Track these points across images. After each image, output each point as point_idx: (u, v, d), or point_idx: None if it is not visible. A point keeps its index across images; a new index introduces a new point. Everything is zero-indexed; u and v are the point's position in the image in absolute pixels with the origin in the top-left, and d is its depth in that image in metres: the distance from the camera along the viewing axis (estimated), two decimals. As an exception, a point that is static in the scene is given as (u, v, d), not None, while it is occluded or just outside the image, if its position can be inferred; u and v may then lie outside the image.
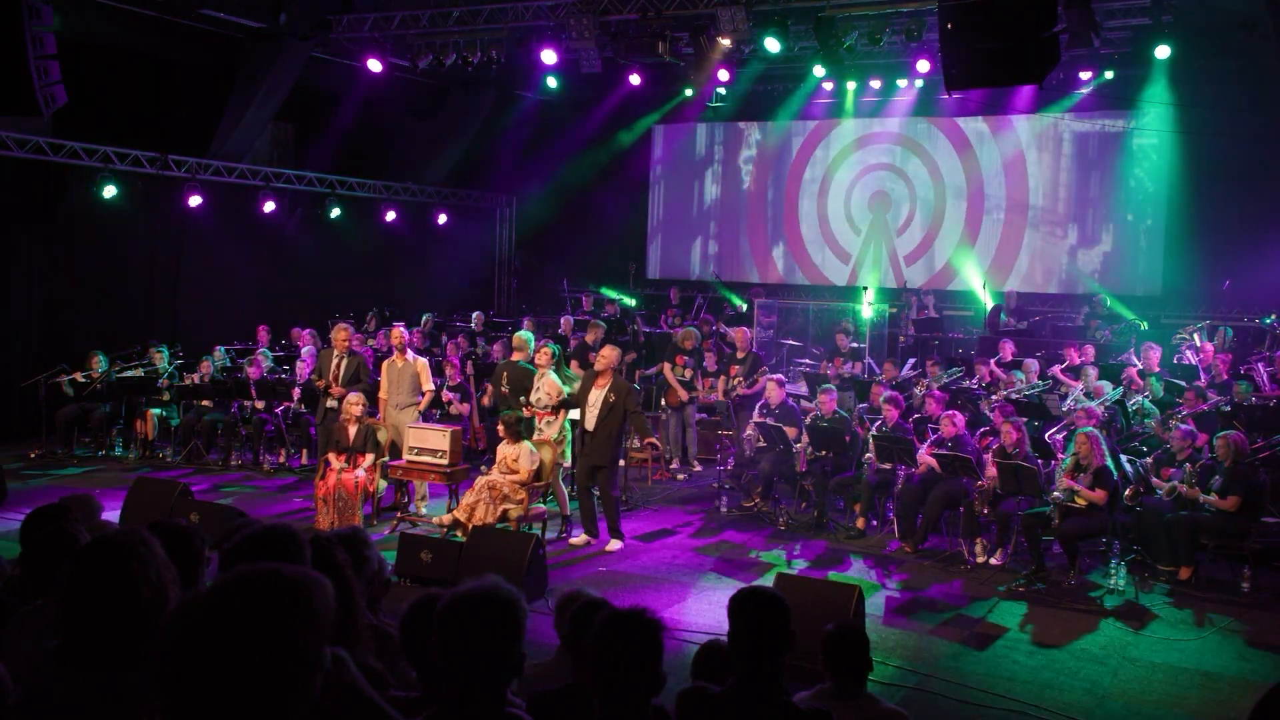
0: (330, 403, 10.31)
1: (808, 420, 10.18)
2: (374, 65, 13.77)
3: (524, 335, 10.92)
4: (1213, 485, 8.19)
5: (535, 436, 9.38)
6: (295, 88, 14.93)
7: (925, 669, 6.53)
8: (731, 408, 11.72)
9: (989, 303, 15.90)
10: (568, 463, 9.60)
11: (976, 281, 16.89)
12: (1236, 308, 14.10)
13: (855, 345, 13.38)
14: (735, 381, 11.61)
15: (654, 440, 9.55)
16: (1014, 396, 10.57)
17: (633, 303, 18.10)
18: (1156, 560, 8.44)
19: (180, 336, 14.20)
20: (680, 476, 11.95)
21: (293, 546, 2.72)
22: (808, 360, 14.35)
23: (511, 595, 2.41)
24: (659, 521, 10.02)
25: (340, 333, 10.69)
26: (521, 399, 9.77)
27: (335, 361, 10.47)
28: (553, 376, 9.56)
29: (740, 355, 11.89)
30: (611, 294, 18.06)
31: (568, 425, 9.60)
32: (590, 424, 8.96)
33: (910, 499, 9.14)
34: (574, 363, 12.19)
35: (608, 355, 9.13)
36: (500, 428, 9.19)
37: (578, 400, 9.12)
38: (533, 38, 13.04)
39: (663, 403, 12.19)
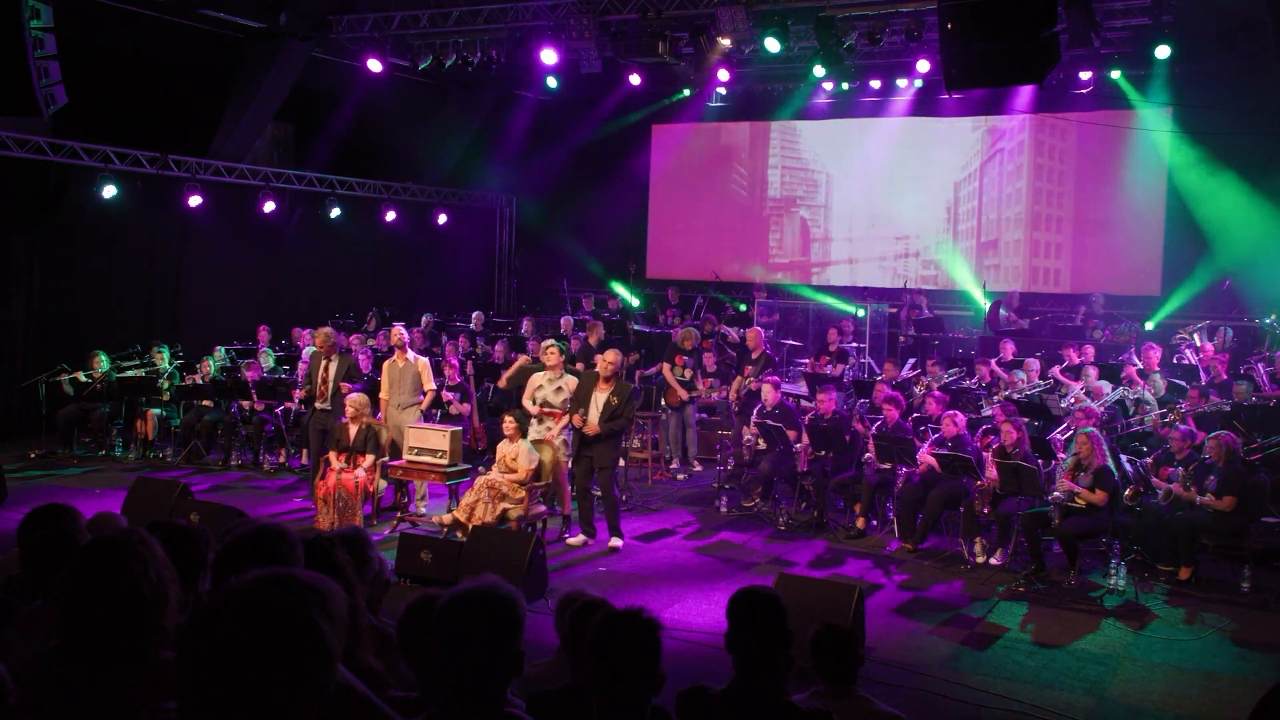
0: (320, 404, 10.20)
1: (807, 420, 10.19)
2: (374, 65, 13.78)
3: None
4: (1208, 486, 8.20)
5: (537, 435, 9.36)
6: (295, 88, 14.93)
7: (925, 669, 6.53)
8: (737, 408, 11.74)
9: (986, 304, 15.88)
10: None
11: (975, 281, 16.89)
12: (1236, 308, 14.09)
13: (844, 346, 13.34)
14: (748, 381, 11.66)
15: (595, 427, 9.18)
16: (1015, 396, 10.57)
17: (636, 303, 18.09)
18: (1156, 560, 8.44)
19: (180, 336, 14.21)
20: (680, 476, 11.95)
21: (285, 545, 2.72)
22: (808, 360, 14.35)
23: (510, 595, 2.41)
24: (659, 521, 10.02)
25: (319, 333, 10.50)
26: (539, 402, 9.64)
27: (323, 364, 10.30)
28: (572, 377, 9.53)
29: (754, 355, 11.94)
30: (619, 289, 18.06)
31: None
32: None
33: (910, 499, 9.14)
34: (579, 365, 12.18)
35: (612, 360, 9.10)
36: (509, 424, 9.14)
37: (576, 405, 9.08)
38: (533, 38, 13.04)
39: (663, 403, 12.20)
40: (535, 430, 9.41)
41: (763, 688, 3.15)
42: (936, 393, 10.40)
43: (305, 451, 12.00)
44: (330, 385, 10.16)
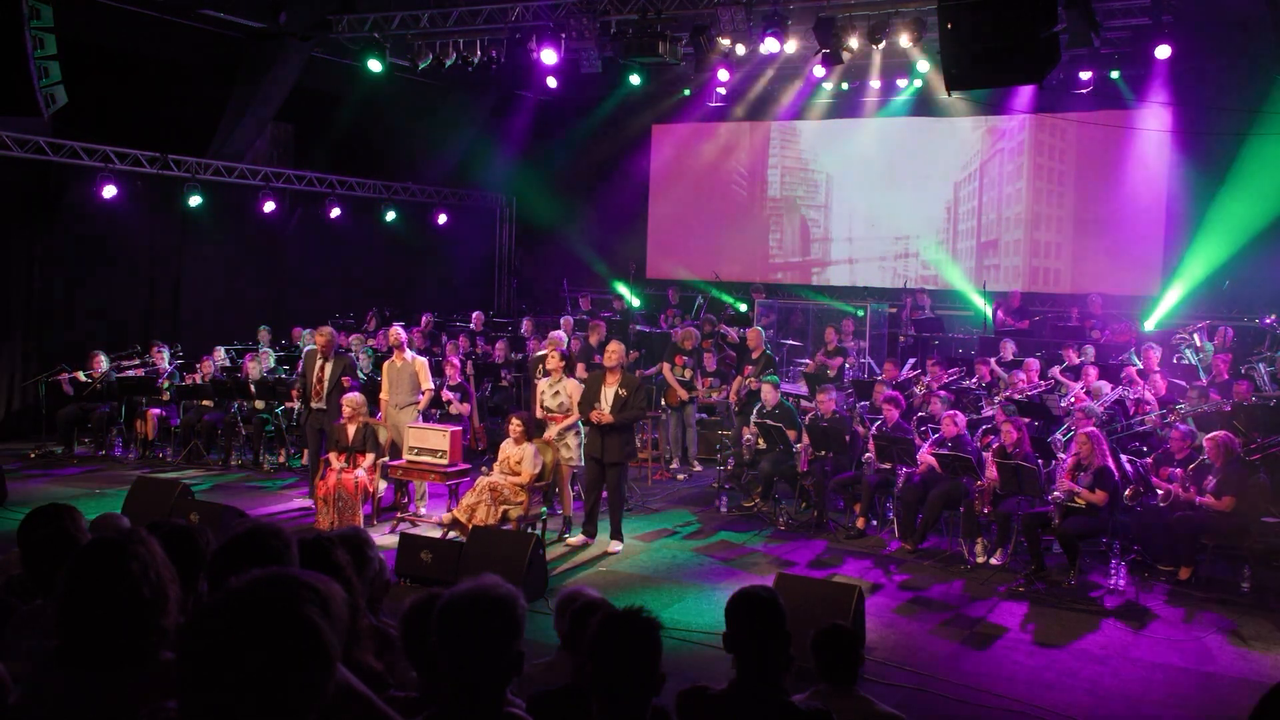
0: (316, 403, 10.16)
1: (807, 420, 10.19)
2: (374, 65, 13.77)
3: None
4: (1207, 486, 8.20)
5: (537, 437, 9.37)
6: (295, 88, 14.93)
7: (925, 669, 6.53)
8: (737, 408, 11.75)
9: (985, 306, 15.86)
10: (579, 463, 9.55)
11: (975, 282, 16.89)
12: (1236, 308, 14.09)
13: (842, 344, 13.35)
14: (748, 381, 11.69)
15: (607, 416, 8.93)
16: (1015, 397, 10.57)
17: (637, 303, 18.08)
18: (1156, 560, 8.44)
19: (180, 336, 14.22)
20: (680, 476, 11.96)
21: (279, 544, 2.71)
22: (808, 360, 14.36)
23: (510, 594, 2.41)
24: (659, 521, 10.02)
25: (320, 334, 10.45)
26: (545, 405, 9.67)
27: (319, 364, 10.25)
28: (573, 382, 9.52)
29: (755, 355, 11.98)
30: (622, 290, 18.06)
31: (580, 425, 9.55)
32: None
33: (910, 499, 9.14)
34: (580, 365, 12.18)
35: (615, 350, 9.14)
36: (515, 425, 9.13)
37: (587, 404, 9.07)
38: (533, 38, 13.04)
39: (663, 403, 12.21)
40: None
41: (763, 688, 3.15)
42: (942, 392, 10.41)
43: (305, 452, 12.01)
44: (326, 385, 10.13)
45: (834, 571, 8.53)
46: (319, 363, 10.25)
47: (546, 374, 9.69)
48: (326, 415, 9.95)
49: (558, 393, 9.44)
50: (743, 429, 11.10)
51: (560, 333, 12.38)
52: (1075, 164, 16.56)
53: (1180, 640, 7.14)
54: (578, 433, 9.42)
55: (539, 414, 9.59)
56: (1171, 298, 15.25)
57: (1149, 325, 14.50)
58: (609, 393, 8.93)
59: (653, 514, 10.31)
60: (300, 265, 16.63)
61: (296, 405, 11.95)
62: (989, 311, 15.49)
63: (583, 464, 9.46)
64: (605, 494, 9.09)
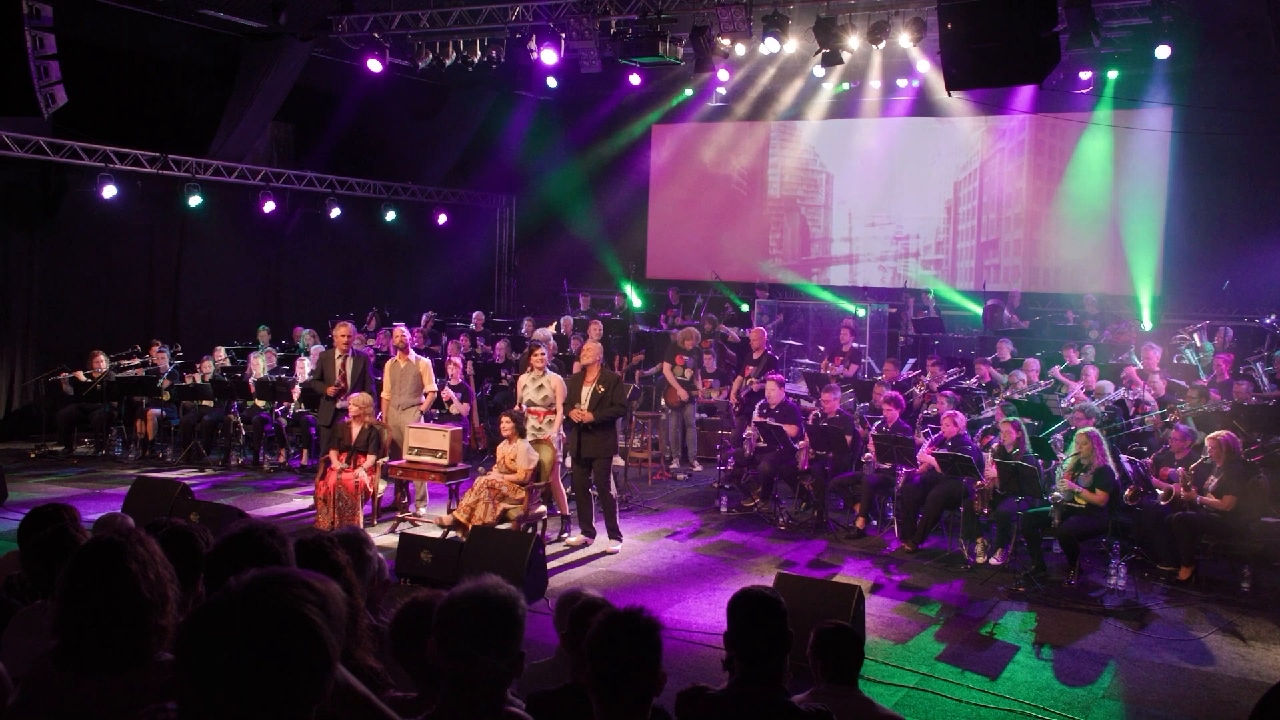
0: (342, 403, 10.14)
1: (808, 420, 10.20)
2: (374, 65, 13.77)
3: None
4: (1208, 486, 8.20)
5: (535, 436, 9.35)
6: (295, 88, 14.93)
7: (925, 669, 6.53)
8: (738, 408, 11.76)
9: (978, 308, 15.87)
10: (567, 462, 9.57)
11: (976, 282, 16.89)
12: (1236, 308, 14.08)
13: (856, 345, 13.38)
14: (749, 381, 11.70)
15: (587, 415, 8.95)
16: (1015, 397, 10.57)
17: (638, 303, 18.05)
18: (1156, 560, 8.44)
19: (180, 336, 14.22)
20: (680, 476, 11.96)
21: (276, 543, 2.71)
22: (808, 360, 14.36)
23: (510, 594, 2.41)
24: (659, 521, 10.02)
25: (341, 329, 10.46)
26: (524, 402, 9.68)
27: (339, 362, 10.27)
28: (556, 376, 9.54)
29: (755, 355, 11.99)
30: (628, 289, 18.03)
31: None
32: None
33: (910, 499, 9.15)
34: (577, 365, 12.18)
35: (590, 349, 9.28)
36: (506, 424, 9.14)
37: (570, 405, 9.10)
38: (532, 38, 13.04)
39: (663, 403, 12.21)
40: (532, 431, 9.41)
41: (763, 688, 3.15)
42: (949, 392, 10.41)
43: (305, 452, 12.01)
44: (349, 384, 10.13)
45: (834, 571, 8.53)
46: (338, 361, 10.23)
47: (528, 369, 9.71)
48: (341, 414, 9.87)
49: (541, 386, 9.44)
50: (744, 428, 11.10)
51: (547, 330, 12.36)
52: (1075, 164, 16.55)
53: (1180, 640, 7.14)
54: (553, 434, 9.39)
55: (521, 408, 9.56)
56: (1170, 298, 15.25)
57: (1148, 325, 14.50)
58: (587, 391, 8.96)
59: (653, 514, 10.31)
60: (300, 265, 16.63)
61: (293, 405, 11.97)
62: (987, 306, 15.44)
63: (568, 462, 9.48)
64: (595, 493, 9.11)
